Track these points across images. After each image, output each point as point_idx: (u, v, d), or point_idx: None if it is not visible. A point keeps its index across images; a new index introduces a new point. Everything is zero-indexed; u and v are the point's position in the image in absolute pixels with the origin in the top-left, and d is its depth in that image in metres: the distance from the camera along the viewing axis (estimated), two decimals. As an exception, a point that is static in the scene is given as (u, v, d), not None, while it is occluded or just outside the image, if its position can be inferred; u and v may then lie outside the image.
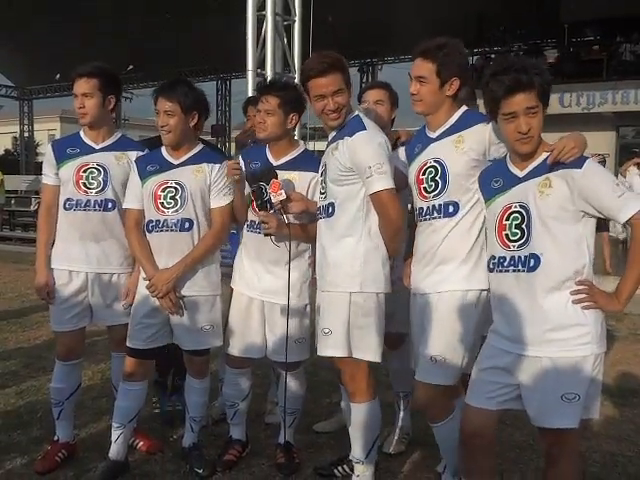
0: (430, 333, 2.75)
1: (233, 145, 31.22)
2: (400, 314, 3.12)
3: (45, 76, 28.23)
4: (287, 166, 3.24)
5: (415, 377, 2.83)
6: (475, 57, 20.86)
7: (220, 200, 3.25)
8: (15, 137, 40.89)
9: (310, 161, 3.31)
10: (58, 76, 26.25)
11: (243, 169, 3.25)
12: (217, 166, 3.25)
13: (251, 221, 3.30)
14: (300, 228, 3.21)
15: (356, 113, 2.99)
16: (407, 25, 17.84)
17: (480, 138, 2.69)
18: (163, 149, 3.29)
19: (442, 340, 2.72)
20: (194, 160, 3.25)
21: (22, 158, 35.66)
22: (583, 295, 2.37)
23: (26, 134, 35.81)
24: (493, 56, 20.74)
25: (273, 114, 3.19)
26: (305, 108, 3.33)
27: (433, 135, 2.82)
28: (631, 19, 16.61)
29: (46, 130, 42.77)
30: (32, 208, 16.94)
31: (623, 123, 18.16)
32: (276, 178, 3.08)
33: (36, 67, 27.14)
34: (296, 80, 10.31)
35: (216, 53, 22.71)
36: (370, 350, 2.94)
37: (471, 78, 2.88)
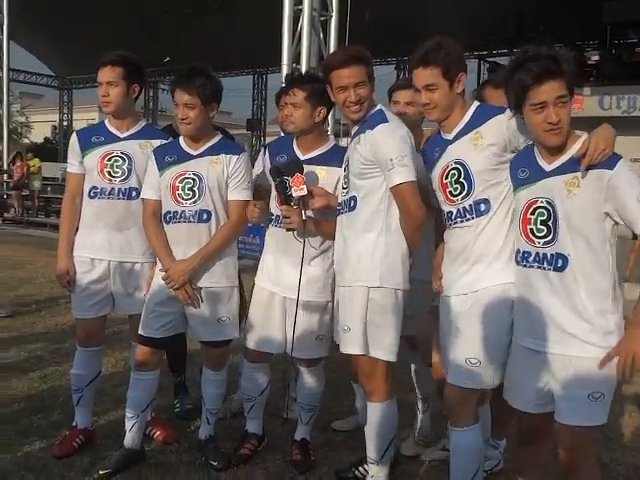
0: (465, 335, 2.68)
1: (268, 139, 31.36)
2: (421, 316, 3.07)
3: (84, 66, 28.61)
4: (315, 161, 3.21)
5: (447, 380, 2.76)
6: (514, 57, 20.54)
7: (238, 193, 3.23)
8: (54, 126, 41.61)
9: (339, 156, 3.25)
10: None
11: (267, 171, 3.26)
12: (235, 157, 3.22)
13: (275, 216, 3.27)
14: (321, 224, 3.17)
15: (379, 107, 2.95)
16: (442, 23, 17.63)
17: (499, 130, 2.61)
18: (181, 139, 3.27)
19: (478, 341, 2.65)
20: (212, 151, 3.23)
21: (60, 147, 36.28)
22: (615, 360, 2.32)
23: (65, 123, 36.49)
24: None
25: (300, 107, 3.16)
26: (333, 102, 3.28)
27: (449, 137, 2.75)
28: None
29: (85, 119, 43.40)
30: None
31: (664, 128, 17.75)
32: (301, 172, 3.05)
33: (76, 57, 27.57)
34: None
35: (254, 47, 22.79)
36: (386, 349, 2.90)
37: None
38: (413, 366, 3.64)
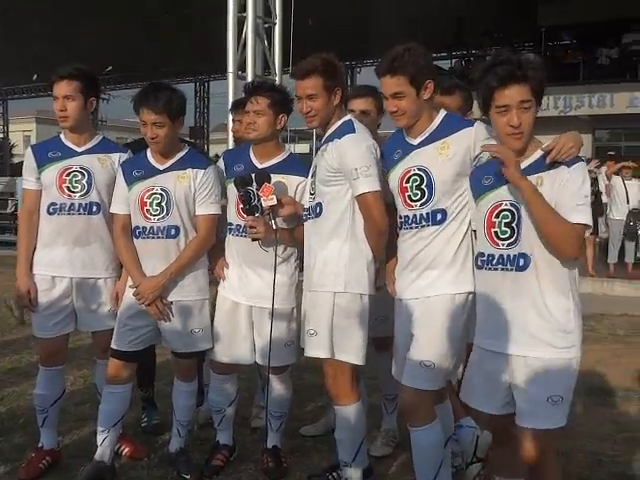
0: (419, 338, 2.74)
1: (211, 147, 31.14)
2: (391, 318, 3.13)
3: (20, 76, 27.86)
4: (273, 169, 3.23)
5: (402, 382, 2.82)
6: (454, 60, 21.01)
7: (206, 207, 3.23)
8: (-11, 138, 40.29)
9: (296, 165, 3.32)
10: (35, 77, 25.91)
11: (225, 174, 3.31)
12: (202, 171, 3.21)
13: (236, 225, 3.28)
14: (287, 232, 3.21)
15: (348, 117, 3.01)
16: (386, 28, 17.90)
17: (465, 143, 2.69)
18: (148, 153, 3.26)
19: (431, 345, 2.72)
20: (179, 165, 3.22)
21: (-4, 160, 35.16)
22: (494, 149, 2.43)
23: (0, 135, 35.32)
24: (472, 59, 20.91)
25: (263, 114, 3.20)
26: (292, 110, 3.33)
27: (414, 142, 2.79)
28: (607, 24, 16.88)
29: (21, 131, 42.24)
30: (8, 210, 16.70)
31: (599, 126, 18.43)
32: (269, 182, 3.08)
33: (11, 67, 26.75)
34: (276, 81, 10.33)
35: (194, 54, 22.59)
36: (352, 352, 2.95)
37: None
38: (381, 367, 3.69)
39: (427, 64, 2.76)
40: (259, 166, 3.26)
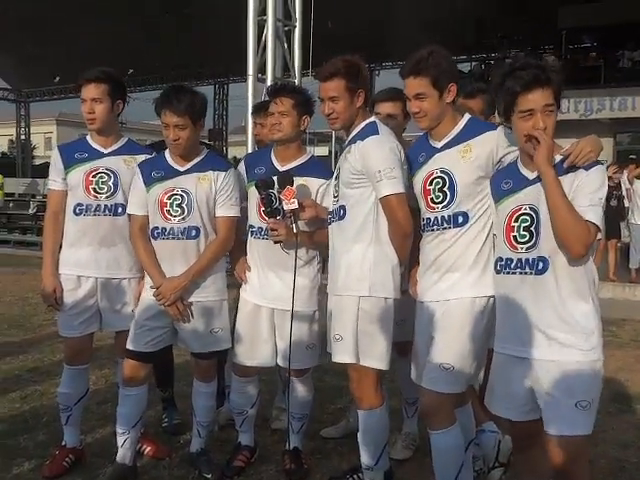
0: (439, 341, 2.74)
1: (230, 149, 31.30)
2: (410, 321, 3.13)
3: (42, 79, 28.19)
4: (295, 172, 3.24)
5: (422, 384, 2.82)
6: (473, 63, 20.93)
7: (226, 210, 3.24)
8: (11, 140, 40.79)
9: (318, 167, 3.34)
10: (57, 79, 26.18)
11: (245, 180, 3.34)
12: (222, 174, 3.23)
13: (258, 227, 3.30)
14: (309, 235, 3.22)
15: (372, 119, 3.00)
16: (404, 31, 17.92)
17: (488, 147, 2.68)
18: (167, 155, 3.27)
19: (452, 348, 2.72)
20: (199, 167, 3.24)
21: (18, 161, 35.56)
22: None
23: (22, 137, 35.74)
24: (492, 62, 20.82)
25: (288, 115, 3.22)
26: (314, 111, 3.36)
27: (438, 145, 2.80)
28: (628, 26, 16.70)
29: (42, 133, 42.74)
30: (30, 211, 16.91)
31: (620, 130, 18.24)
32: (292, 185, 3.09)
33: (33, 70, 27.09)
34: (296, 83, 10.42)
35: (214, 57, 22.73)
36: (377, 357, 2.95)
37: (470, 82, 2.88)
38: (401, 372, 3.69)
39: (450, 67, 2.77)
40: (280, 169, 3.27)
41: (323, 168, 3.37)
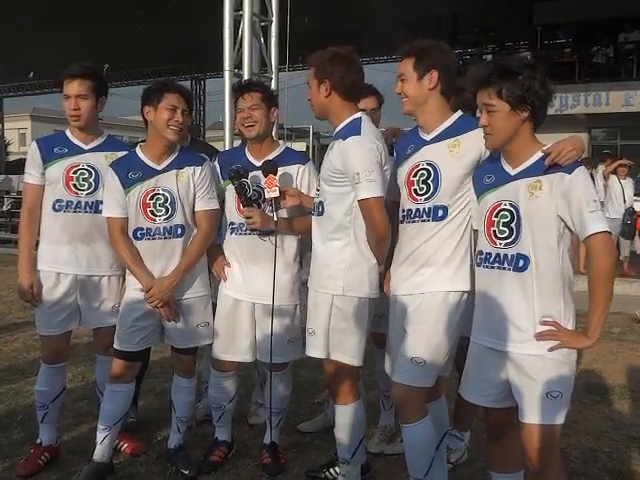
0: (411, 335, 2.75)
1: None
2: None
3: (16, 74, 27.76)
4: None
5: (393, 378, 2.83)
6: (449, 58, 20.96)
7: (206, 203, 3.24)
8: (-15, 135, 40.19)
9: (294, 155, 3.42)
10: (32, 75, 25.79)
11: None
12: (199, 168, 3.23)
13: (239, 224, 3.29)
14: (286, 222, 3.23)
15: (358, 115, 2.95)
16: (381, 26, 17.94)
17: (477, 144, 2.66)
18: (140, 153, 3.22)
19: (423, 342, 2.73)
20: (176, 165, 3.21)
21: (-7, 157, 35.07)
22: (548, 337, 2.39)
23: (-4, 133, 35.21)
24: (468, 58, 20.92)
25: (259, 107, 3.27)
26: (278, 104, 3.45)
27: (427, 137, 2.80)
28: (603, 22, 16.90)
29: (16, 129, 42.12)
30: (4, 208, 16.63)
31: (595, 125, 18.46)
32: (275, 174, 3.11)
33: (6, 65, 26.67)
34: (273, 79, 10.39)
35: (190, 52, 22.55)
36: (348, 353, 2.96)
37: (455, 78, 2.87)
38: (378, 364, 3.71)
39: (438, 57, 2.75)
40: (256, 164, 3.27)
41: (299, 155, 3.48)
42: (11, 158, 36.51)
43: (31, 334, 5.78)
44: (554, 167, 2.37)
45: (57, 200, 3.27)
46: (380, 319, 3.14)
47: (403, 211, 2.85)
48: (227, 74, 10.61)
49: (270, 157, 3.29)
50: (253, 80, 3.56)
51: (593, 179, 10.91)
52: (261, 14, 11.03)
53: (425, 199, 2.76)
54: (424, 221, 2.76)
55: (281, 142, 3.53)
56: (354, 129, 2.88)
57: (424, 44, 2.77)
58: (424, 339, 2.72)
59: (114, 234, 3.18)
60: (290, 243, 3.31)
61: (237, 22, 10.78)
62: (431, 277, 2.74)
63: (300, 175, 3.28)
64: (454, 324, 2.73)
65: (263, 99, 3.27)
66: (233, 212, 3.31)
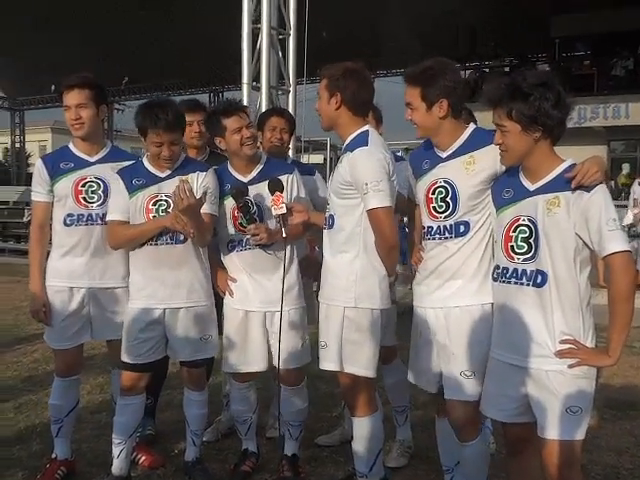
0: (454, 350, 2.72)
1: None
2: (391, 327, 3.14)
3: (37, 87, 28.13)
4: (259, 178, 3.29)
5: (446, 397, 2.78)
6: (468, 71, 21.01)
7: (208, 207, 3.16)
8: (6, 148, 40.69)
9: (277, 165, 3.39)
10: (53, 87, 26.14)
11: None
12: (203, 174, 3.24)
13: (239, 240, 3.28)
14: (294, 231, 3.25)
15: (365, 128, 2.97)
16: (399, 40, 18.00)
17: (492, 158, 2.63)
18: (146, 162, 3.25)
19: (469, 355, 2.70)
20: (180, 172, 3.22)
21: (13, 169, 35.47)
22: (569, 355, 2.37)
23: (17, 145, 35.64)
24: (486, 70, 20.91)
25: (253, 126, 3.35)
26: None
27: (442, 155, 2.79)
28: (621, 35, 16.83)
29: (37, 141, 42.61)
30: (25, 219, 16.81)
31: (614, 137, 18.34)
32: (281, 192, 3.13)
33: (28, 78, 27.03)
34: (290, 92, 10.48)
35: (208, 65, 22.76)
36: (362, 365, 2.94)
37: (465, 95, 2.85)
38: (386, 380, 3.68)
39: (445, 84, 2.69)
40: (245, 180, 3.28)
41: (283, 164, 3.48)
42: (31, 170, 36.92)
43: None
44: (578, 187, 2.35)
45: (68, 215, 3.29)
46: (386, 329, 3.09)
47: (424, 228, 2.85)
48: (245, 87, 10.69)
49: (257, 172, 3.31)
50: (235, 100, 3.50)
51: (611, 192, 10.80)
52: (279, 27, 11.12)
53: (445, 217, 2.75)
54: (447, 238, 2.76)
55: (261, 152, 3.48)
56: (362, 141, 2.90)
57: (429, 71, 2.70)
58: (470, 352, 2.70)
59: (115, 234, 3.23)
60: (293, 248, 3.33)
61: (255, 35, 10.86)
62: (459, 291, 2.73)
63: (290, 184, 3.30)
64: (487, 336, 2.67)
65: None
66: (231, 230, 3.30)
